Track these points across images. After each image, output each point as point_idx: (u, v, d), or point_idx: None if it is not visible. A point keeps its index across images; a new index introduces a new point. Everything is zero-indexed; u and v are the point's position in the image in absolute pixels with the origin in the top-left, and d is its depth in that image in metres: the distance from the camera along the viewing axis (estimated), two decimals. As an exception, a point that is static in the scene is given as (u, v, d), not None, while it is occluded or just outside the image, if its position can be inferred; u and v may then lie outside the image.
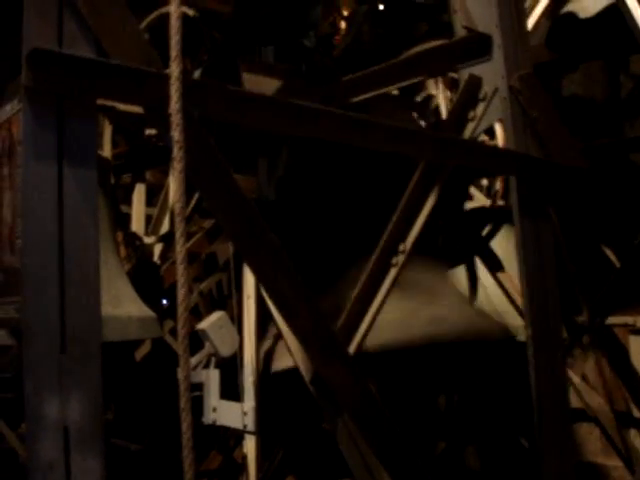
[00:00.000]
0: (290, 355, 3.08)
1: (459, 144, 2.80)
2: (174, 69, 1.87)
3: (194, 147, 1.98)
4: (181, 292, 1.85)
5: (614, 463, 4.36)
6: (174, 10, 1.87)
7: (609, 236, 4.66)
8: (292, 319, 2.49)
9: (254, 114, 2.21)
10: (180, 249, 1.86)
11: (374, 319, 2.82)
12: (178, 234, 1.86)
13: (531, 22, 4.32)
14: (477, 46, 2.96)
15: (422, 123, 4.21)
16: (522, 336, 3.22)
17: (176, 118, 1.84)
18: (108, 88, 1.92)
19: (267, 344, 3.54)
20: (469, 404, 4.99)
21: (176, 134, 1.84)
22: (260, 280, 2.74)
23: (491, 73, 2.94)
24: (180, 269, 1.86)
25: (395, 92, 4.28)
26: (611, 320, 4.43)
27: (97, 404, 1.81)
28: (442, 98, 4.28)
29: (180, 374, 1.84)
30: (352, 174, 3.65)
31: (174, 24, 1.87)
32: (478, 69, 2.98)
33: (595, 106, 4.95)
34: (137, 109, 2.81)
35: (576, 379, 4.40)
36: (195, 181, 2.15)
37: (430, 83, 4.34)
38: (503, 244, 4.32)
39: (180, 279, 1.85)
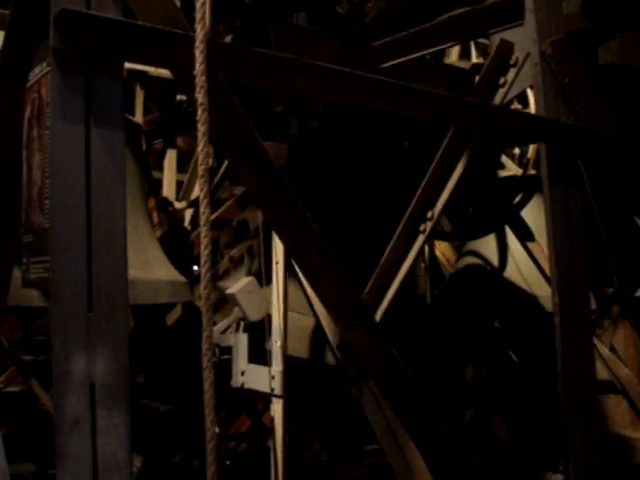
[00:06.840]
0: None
1: (487, 109, 2.77)
2: (199, 31, 1.88)
3: (219, 110, 1.99)
4: (204, 254, 1.88)
5: (642, 436, 4.33)
6: (200, -28, 1.88)
7: (642, 207, 4.61)
8: (318, 285, 2.49)
9: (281, 76, 2.20)
10: (204, 210, 1.88)
11: (401, 285, 2.83)
12: (202, 196, 1.88)
13: (567, -12, 4.25)
14: (509, 11, 2.91)
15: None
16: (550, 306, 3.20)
17: (200, 80, 1.85)
18: (135, 50, 1.92)
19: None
20: (497, 373, 4.99)
21: (200, 96, 1.85)
22: (286, 246, 2.75)
23: (523, 38, 2.89)
24: (204, 231, 1.88)
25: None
26: (641, 292, 4.39)
27: (123, 362, 1.84)
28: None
29: (203, 333, 1.87)
30: (382, 138, 3.63)
31: (200, -14, 1.88)
32: (510, 34, 2.93)
33: (631, 75, 4.86)
34: (168, 74, 2.82)
35: (605, 350, 4.36)
36: (221, 145, 2.16)
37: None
38: (534, 213, 4.30)
39: (203, 241, 1.88)
